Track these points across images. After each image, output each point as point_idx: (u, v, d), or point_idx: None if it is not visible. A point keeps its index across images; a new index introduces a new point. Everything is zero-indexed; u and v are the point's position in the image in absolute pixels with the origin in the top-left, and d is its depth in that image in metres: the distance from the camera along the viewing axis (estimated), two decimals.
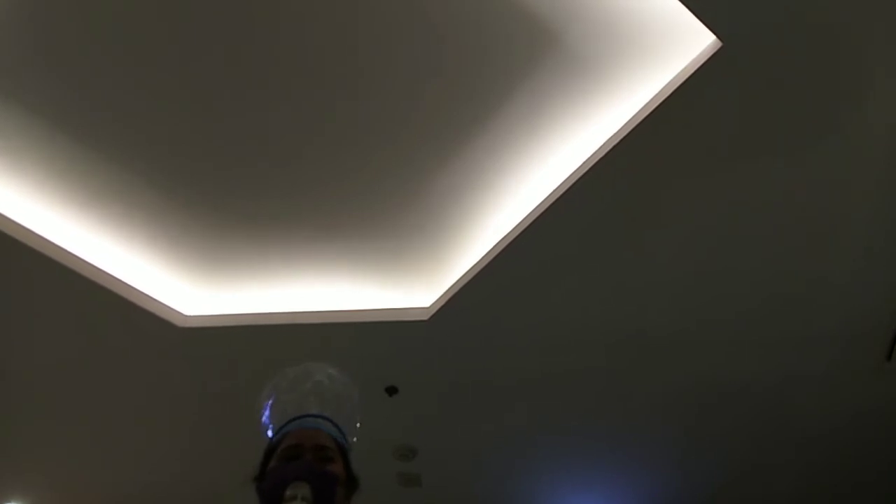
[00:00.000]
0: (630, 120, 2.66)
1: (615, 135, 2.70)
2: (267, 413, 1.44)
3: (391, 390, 3.67)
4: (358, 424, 1.48)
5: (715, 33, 2.30)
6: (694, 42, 2.44)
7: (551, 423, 4.00)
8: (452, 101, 2.73)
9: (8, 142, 2.83)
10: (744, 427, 4.06)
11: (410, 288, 3.43)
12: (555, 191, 2.90)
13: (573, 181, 2.80)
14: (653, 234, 3.01)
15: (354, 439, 1.44)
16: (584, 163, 2.79)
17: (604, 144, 2.73)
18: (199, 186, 3.02)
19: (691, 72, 2.43)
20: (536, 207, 2.96)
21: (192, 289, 3.41)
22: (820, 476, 4.40)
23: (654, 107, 2.55)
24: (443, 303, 3.30)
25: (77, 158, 2.89)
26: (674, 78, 2.53)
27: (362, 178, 3.01)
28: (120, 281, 3.22)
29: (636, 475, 4.44)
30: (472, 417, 3.94)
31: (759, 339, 3.51)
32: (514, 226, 3.07)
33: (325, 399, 1.42)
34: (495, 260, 3.08)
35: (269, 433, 1.41)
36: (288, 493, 1.15)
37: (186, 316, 3.40)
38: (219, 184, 3.01)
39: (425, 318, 3.36)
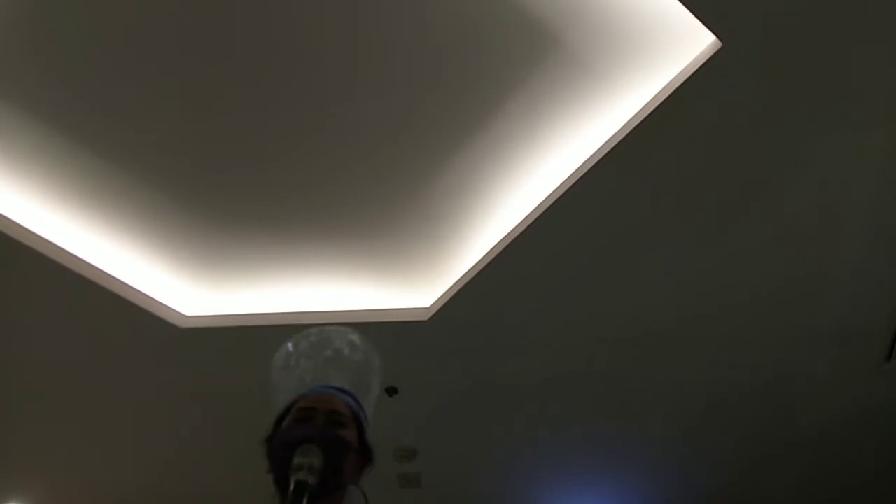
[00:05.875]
0: (630, 120, 2.66)
1: (615, 135, 2.70)
2: (281, 374, 1.40)
3: (391, 391, 3.67)
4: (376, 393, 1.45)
5: (715, 33, 2.30)
6: (694, 42, 2.44)
7: (551, 423, 4.00)
8: (452, 101, 2.73)
9: (8, 142, 2.83)
10: (744, 427, 4.06)
11: (410, 288, 3.43)
12: (555, 191, 2.90)
13: (573, 181, 2.80)
14: (652, 234, 3.01)
15: (371, 411, 1.40)
16: (585, 163, 2.79)
17: (604, 144, 2.73)
18: (199, 186, 3.02)
19: (691, 72, 2.43)
20: (536, 207, 2.96)
21: (193, 289, 3.41)
22: (820, 476, 4.40)
23: (654, 107, 2.55)
24: (443, 303, 3.30)
25: (77, 158, 2.89)
26: (674, 78, 2.53)
27: (362, 178, 3.00)
28: (120, 281, 3.22)
29: (636, 475, 4.44)
30: (471, 418, 3.94)
31: (760, 339, 3.51)
32: (513, 226, 3.07)
33: (345, 369, 1.40)
34: (495, 260, 3.08)
35: (281, 394, 1.35)
36: (296, 460, 1.09)
37: (186, 316, 3.40)
38: (219, 184, 3.01)
39: (425, 318, 3.36)
